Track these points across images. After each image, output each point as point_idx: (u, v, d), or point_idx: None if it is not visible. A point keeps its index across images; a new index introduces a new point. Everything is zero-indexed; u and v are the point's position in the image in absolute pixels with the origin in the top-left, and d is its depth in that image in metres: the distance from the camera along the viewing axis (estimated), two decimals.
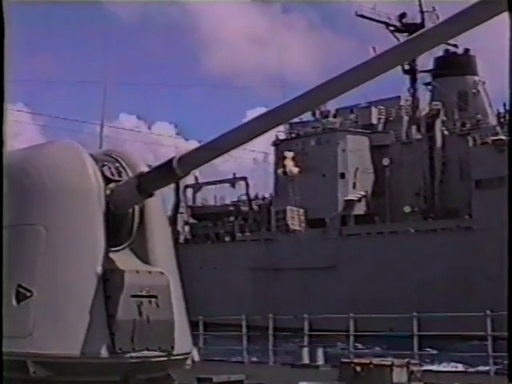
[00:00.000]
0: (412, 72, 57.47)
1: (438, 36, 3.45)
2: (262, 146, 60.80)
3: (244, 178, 63.56)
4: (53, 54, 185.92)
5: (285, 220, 57.82)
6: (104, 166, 4.38)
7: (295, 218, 58.03)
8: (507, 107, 45.34)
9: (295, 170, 57.44)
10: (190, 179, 63.17)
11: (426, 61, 56.94)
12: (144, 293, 4.22)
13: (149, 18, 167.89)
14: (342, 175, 52.96)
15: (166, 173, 4.13)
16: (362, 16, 57.57)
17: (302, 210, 58.33)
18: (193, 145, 72.14)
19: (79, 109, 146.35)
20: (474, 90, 53.97)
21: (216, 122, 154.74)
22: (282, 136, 57.22)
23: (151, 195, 4.28)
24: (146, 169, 4.38)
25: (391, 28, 58.11)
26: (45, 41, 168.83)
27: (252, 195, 62.78)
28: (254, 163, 73.82)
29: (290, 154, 54.70)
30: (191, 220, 65.07)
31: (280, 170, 58.30)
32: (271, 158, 60.53)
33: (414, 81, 57.98)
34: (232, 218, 61.84)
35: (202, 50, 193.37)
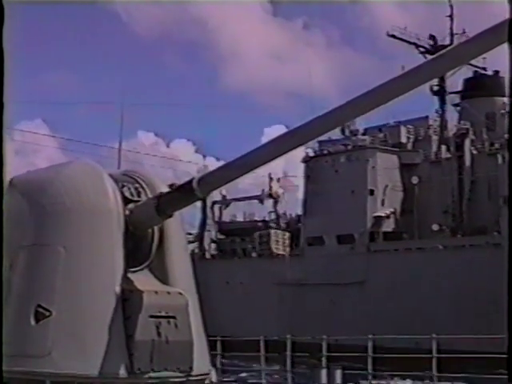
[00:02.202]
0: (441, 93, 58.17)
1: (460, 56, 3.48)
2: (280, 162, 61.36)
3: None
4: (70, 71, 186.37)
5: (268, 244, 58.56)
6: (123, 186, 4.38)
7: (279, 242, 58.66)
8: None
9: (280, 191, 58.43)
10: (217, 196, 63.93)
11: (454, 82, 57.83)
12: (163, 313, 4.20)
13: (167, 35, 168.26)
14: (372, 192, 53.20)
15: (186, 194, 4.13)
16: (393, 36, 58.29)
17: (287, 234, 59.00)
18: (210, 162, 72.99)
19: (97, 126, 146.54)
20: (503, 111, 54.36)
21: (234, 139, 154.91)
22: (312, 153, 57.80)
23: (171, 216, 4.28)
24: (165, 189, 4.36)
25: (421, 49, 58.84)
26: (61, 58, 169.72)
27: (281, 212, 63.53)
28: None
29: (275, 177, 55.23)
30: (219, 235, 65.62)
31: (265, 191, 59.49)
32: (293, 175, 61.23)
33: (442, 102, 58.63)
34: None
35: (220, 67, 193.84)
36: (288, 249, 58.71)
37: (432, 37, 58.38)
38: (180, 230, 4.60)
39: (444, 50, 3.50)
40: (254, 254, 59.82)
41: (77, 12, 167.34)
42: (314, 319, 48.51)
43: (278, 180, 60.17)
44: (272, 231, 59.37)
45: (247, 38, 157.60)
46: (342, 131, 56.31)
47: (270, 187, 59.70)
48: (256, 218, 64.92)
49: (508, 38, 3.13)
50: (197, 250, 62.10)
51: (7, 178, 4.20)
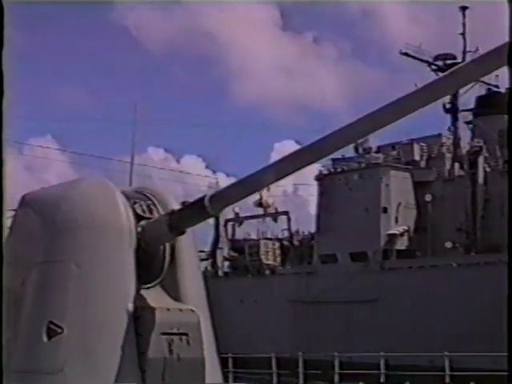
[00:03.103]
0: (453, 111, 58.23)
1: (470, 73, 3.48)
2: (291, 177, 61.92)
3: (286, 213, 64.28)
4: (78, 86, 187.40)
5: (258, 255, 58.79)
6: (135, 203, 4.35)
7: (269, 253, 58.93)
8: None
9: (270, 200, 58.57)
10: (230, 213, 64.00)
11: (467, 100, 57.86)
12: (175, 330, 4.18)
13: (177, 50, 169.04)
14: (385, 210, 53.23)
15: (198, 211, 4.11)
16: (407, 54, 58.45)
17: (277, 244, 59.23)
18: (220, 177, 73.15)
19: (108, 142, 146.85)
20: None
21: (244, 155, 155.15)
22: (325, 171, 57.88)
23: (183, 233, 4.26)
24: (177, 206, 4.34)
25: (433, 67, 58.93)
26: (70, 73, 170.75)
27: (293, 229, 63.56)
28: (284, 196, 74.55)
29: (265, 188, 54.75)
30: (232, 253, 65.65)
31: (255, 200, 59.65)
32: (303, 191, 61.33)
33: (455, 119, 58.70)
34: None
35: (230, 81, 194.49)
36: (279, 259, 59.09)
37: (444, 55, 58.41)
38: (192, 246, 4.58)
39: (455, 67, 3.49)
40: (267, 272, 59.94)
41: (86, 27, 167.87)
42: (327, 337, 48.46)
43: (268, 189, 60.20)
44: (262, 242, 59.81)
45: (257, 52, 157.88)
46: (356, 149, 56.51)
47: (261, 196, 59.81)
48: (269, 236, 64.93)
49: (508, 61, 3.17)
50: (209, 268, 62.12)
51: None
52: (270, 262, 60.00)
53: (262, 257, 59.92)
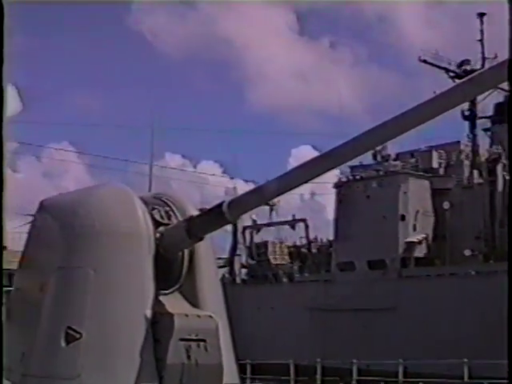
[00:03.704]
0: (472, 118, 58.03)
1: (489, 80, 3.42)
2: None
3: (303, 220, 64.26)
4: (95, 92, 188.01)
5: (266, 256, 58.86)
6: (154, 209, 4.36)
7: (277, 252, 59.03)
8: None
9: (276, 199, 58.92)
10: (248, 221, 64.03)
11: (485, 107, 57.64)
12: (193, 336, 4.16)
13: (193, 54, 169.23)
14: (403, 217, 53.08)
15: (216, 217, 4.11)
16: (425, 61, 58.32)
17: (285, 244, 59.26)
18: (237, 183, 73.14)
19: (125, 148, 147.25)
20: None
21: (261, 160, 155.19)
22: (344, 178, 57.82)
23: (201, 239, 4.26)
24: (195, 212, 4.36)
25: (451, 74, 58.77)
26: (87, 79, 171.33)
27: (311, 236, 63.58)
28: (301, 201, 74.55)
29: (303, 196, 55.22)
30: (249, 261, 65.68)
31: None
32: (320, 196, 61.46)
33: (473, 126, 58.48)
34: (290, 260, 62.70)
35: (246, 86, 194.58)
36: (287, 257, 59.10)
37: (462, 62, 58.26)
38: (210, 252, 4.57)
39: (474, 74, 3.47)
40: (284, 280, 59.94)
41: (103, 33, 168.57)
42: (344, 345, 48.32)
43: None
44: (269, 241, 59.89)
45: (273, 57, 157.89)
46: (374, 156, 56.44)
47: None
48: (288, 244, 64.91)
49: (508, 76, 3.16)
50: (227, 275, 62.13)
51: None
52: (278, 263, 60.10)
53: (270, 257, 60.02)
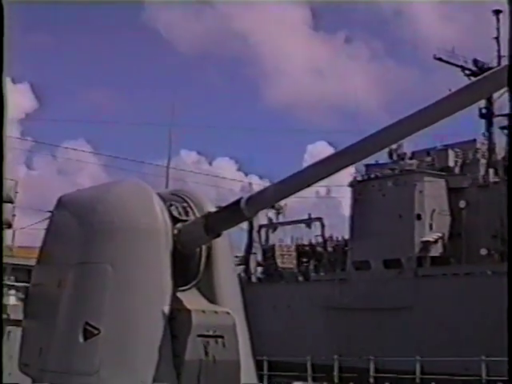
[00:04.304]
0: (488, 116, 57.77)
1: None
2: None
3: (319, 219, 64.25)
4: (111, 89, 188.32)
5: (274, 259, 58.76)
6: (171, 205, 4.36)
7: (285, 256, 58.94)
8: None
9: (283, 202, 58.99)
10: (263, 219, 64.05)
11: (502, 104, 57.33)
12: (210, 332, 4.16)
13: (208, 50, 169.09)
14: (419, 216, 52.91)
15: (234, 213, 4.12)
16: (440, 59, 58.14)
17: (292, 247, 59.13)
18: (253, 179, 73.08)
19: (140, 146, 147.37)
20: None
21: (277, 157, 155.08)
22: (359, 177, 57.73)
23: (219, 235, 4.26)
24: (213, 208, 4.36)
25: (467, 72, 58.54)
26: (102, 76, 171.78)
27: (327, 235, 63.59)
28: (316, 197, 74.40)
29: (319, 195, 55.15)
30: (265, 259, 65.69)
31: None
32: (336, 193, 61.40)
33: (490, 124, 58.21)
34: (306, 259, 62.73)
35: (262, 82, 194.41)
36: (295, 261, 59.03)
37: (477, 61, 58.01)
38: (228, 249, 4.57)
39: (489, 72, 3.45)
40: (300, 278, 59.97)
41: (118, 30, 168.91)
42: (360, 344, 48.25)
43: None
44: (276, 244, 59.87)
45: (289, 53, 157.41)
46: (390, 155, 56.32)
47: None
48: (303, 242, 64.92)
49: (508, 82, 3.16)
50: (242, 274, 62.14)
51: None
52: (285, 266, 60.15)
53: (278, 260, 60.06)
